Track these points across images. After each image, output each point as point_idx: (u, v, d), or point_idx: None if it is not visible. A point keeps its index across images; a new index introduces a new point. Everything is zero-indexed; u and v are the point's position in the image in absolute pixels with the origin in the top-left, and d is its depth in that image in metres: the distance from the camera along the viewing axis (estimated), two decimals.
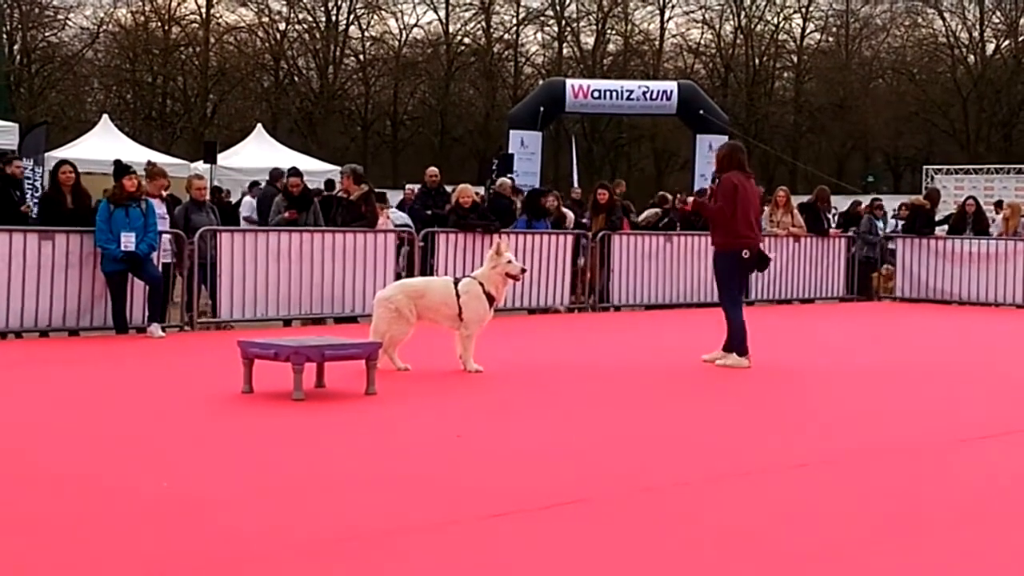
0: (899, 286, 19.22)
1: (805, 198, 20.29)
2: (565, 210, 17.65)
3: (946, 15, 52.40)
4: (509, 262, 9.72)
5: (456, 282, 9.75)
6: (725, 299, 10.61)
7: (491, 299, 9.64)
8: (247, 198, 21.15)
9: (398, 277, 13.62)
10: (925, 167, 31.60)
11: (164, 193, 14.32)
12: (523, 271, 9.97)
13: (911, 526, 5.11)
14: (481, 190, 25.02)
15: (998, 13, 52.21)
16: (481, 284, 9.63)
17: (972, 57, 52.67)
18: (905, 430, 7.58)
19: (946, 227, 20.03)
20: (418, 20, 54.22)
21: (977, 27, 52.26)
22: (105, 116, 30.81)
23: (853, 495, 5.70)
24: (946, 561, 4.66)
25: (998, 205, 23.92)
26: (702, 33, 54.99)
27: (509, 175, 24.19)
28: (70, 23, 50.11)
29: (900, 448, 6.97)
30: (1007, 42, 52.04)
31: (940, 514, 5.39)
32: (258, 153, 29.17)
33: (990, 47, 52.55)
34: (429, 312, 9.62)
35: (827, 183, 23.49)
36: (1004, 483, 6.10)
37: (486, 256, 10.01)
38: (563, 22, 54.35)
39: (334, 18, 53.20)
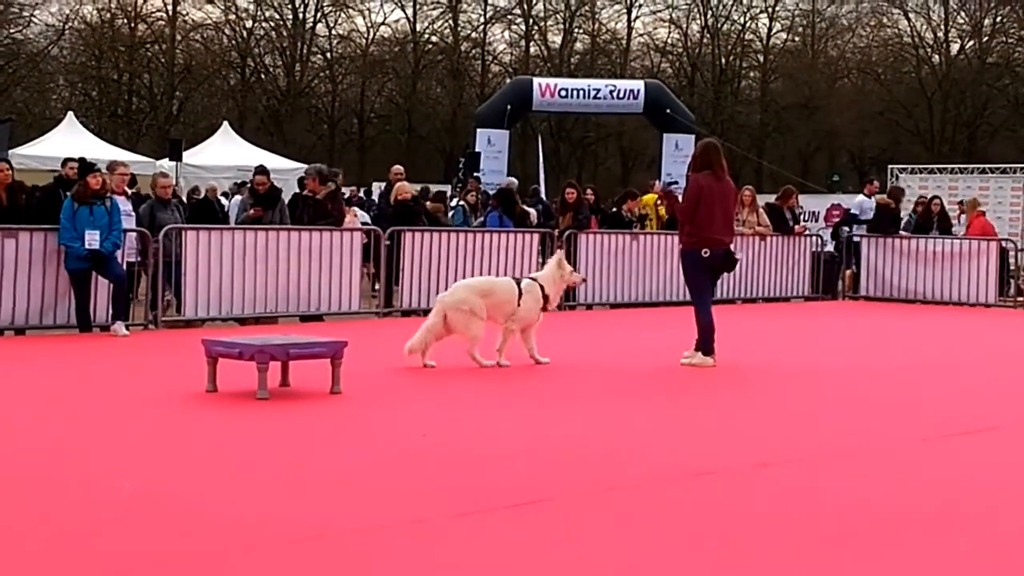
0: (864, 285, 19.32)
1: (771, 197, 20.38)
2: (527, 209, 17.69)
3: (911, 15, 52.79)
4: (572, 272, 10.57)
5: (518, 282, 10.21)
6: (693, 298, 10.66)
7: (546, 300, 10.15)
8: (236, 197, 20.92)
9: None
10: (890, 166, 31.71)
11: (130, 190, 14.30)
12: (583, 280, 11.09)
13: (873, 526, 5.13)
14: (450, 189, 25.02)
15: (962, 14, 52.63)
16: (542, 286, 10.10)
17: (937, 57, 53.05)
18: (868, 429, 7.62)
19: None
20: (385, 18, 54.14)
21: (942, 27, 52.65)
22: (70, 113, 30.63)
23: (815, 494, 5.73)
24: (909, 561, 4.69)
25: (962, 205, 24.09)
26: (669, 32, 55.19)
27: (475, 174, 24.22)
28: (35, 20, 49.71)
29: (863, 448, 7.01)
30: (971, 42, 52.44)
31: (903, 514, 5.41)
32: (224, 151, 29.04)
33: (954, 47, 52.95)
34: (494, 310, 9.93)
35: (792, 182, 23.60)
36: (968, 482, 6.14)
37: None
38: (530, 21, 54.35)
39: (301, 16, 53.01)
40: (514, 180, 19.70)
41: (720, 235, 10.43)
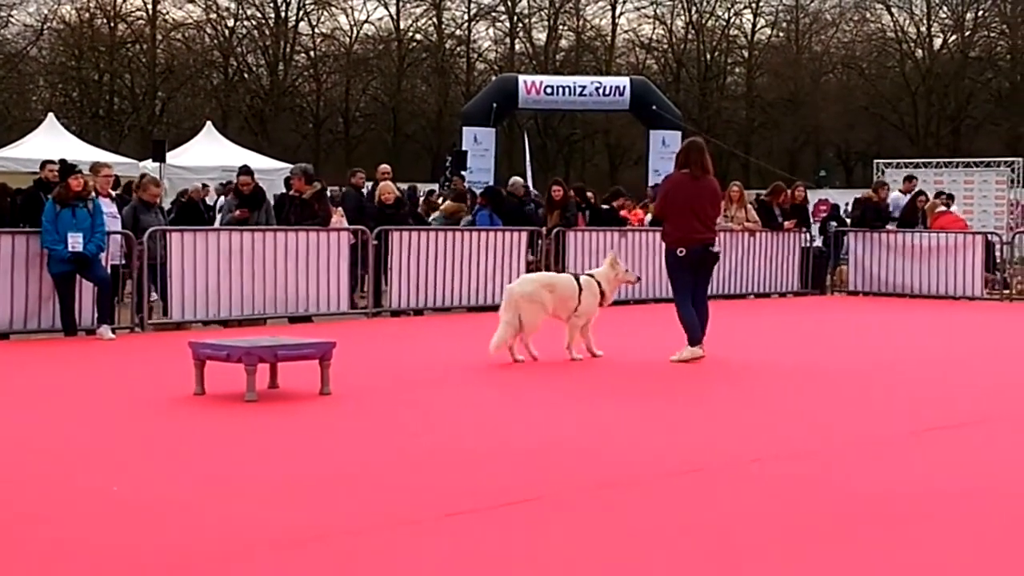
0: (851, 280, 19.35)
1: (760, 192, 20.37)
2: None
3: (894, 10, 52.90)
4: (626, 271, 10.93)
5: (576, 278, 10.60)
6: (673, 294, 10.70)
7: (602, 296, 10.56)
8: (223, 198, 20.79)
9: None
10: (875, 161, 31.76)
11: (113, 192, 14.21)
12: (638, 279, 11.38)
13: (866, 518, 5.11)
14: (436, 187, 24.99)
15: (945, 8, 52.76)
16: (598, 283, 10.52)
17: (920, 52, 53.19)
18: (860, 423, 7.60)
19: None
20: (368, 16, 54.01)
21: (925, 22, 52.79)
22: (51, 115, 30.41)
23: (807, 489, 5.70)
24: (903, 553, 4.66)
25: (950, 198, 24.06)
26: (654, 28, 55.23)
27: (461, 172, 24.17)
28: (13, 20, 49.48)
29: (855, 442, 6.99)
30: (954, 37, 52.59)
31: (896, 506, 5.39)
32: (208, 151, 28.91)
33: (937, 42, 53.11)
34: (557, 304, 10.33)
35: (780, 178, 23.60)
36: (961, 475, 6.12)
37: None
38: (515, 18, 54.32)
39: (283, 14, 52.86)
40: (520, 179, 19.59)
41: (694, 233, 10.44)
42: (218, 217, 17.09)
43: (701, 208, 10.53)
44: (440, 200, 20.19)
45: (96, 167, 13.55)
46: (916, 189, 21.21)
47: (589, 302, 10.45)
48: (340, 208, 15.95)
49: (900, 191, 20.99)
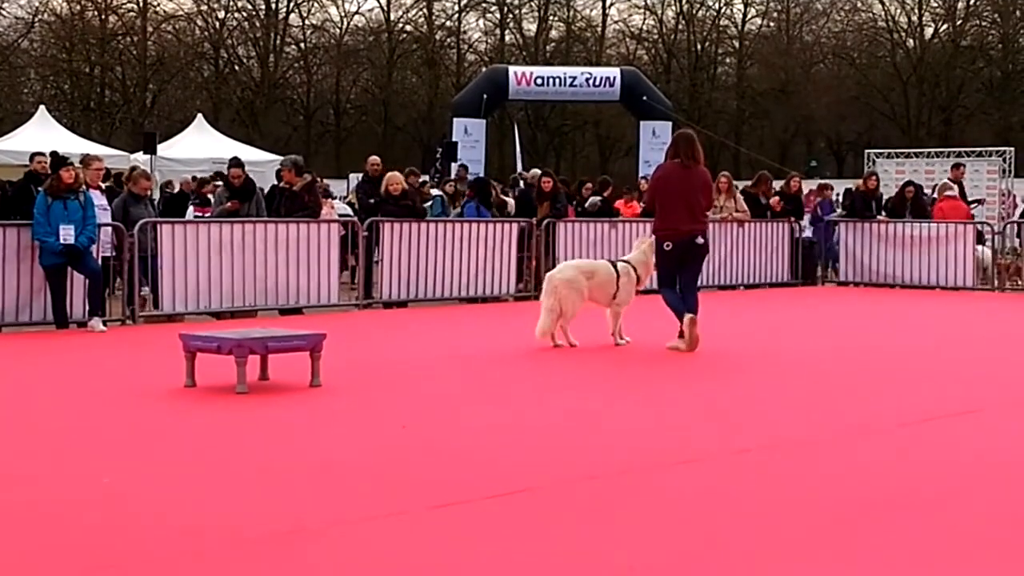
0: (842, 270, 19.38)
1: (749, 183, 20.38)
2: (504, 198, 17.67)
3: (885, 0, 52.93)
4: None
5: (614, 265, 10.81)
6: (658, 282, 10.81)
7: (638, 281, 10.83)
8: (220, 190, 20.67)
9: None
10: (866, 151, 31.76)
11: (103, 184, 14.21)
12: None
13: (856, 509, 5.13)
14: (426, 178, 24.99)
15: None
16: (634, 268, 10.72)
17: (911, 41, 53.18)
18: (846, 415, 7.61)
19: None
20: (359, 7, 54.03)
21: (916, 11, 52.77)
22: (42, 107, 30.37)
23: (797, 480, 5.72)
24: (891, 543, 4.68)
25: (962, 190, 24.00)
26: (644, 19, 55.19)
27: (462, 163, 24.17)
28: (4, 12, 49.36)
29: (845, 432, 7.01)
30: (945, 26, 52.59)
31: (885, 496, 5.41)
32: (199, 143, 28.87)
33: (929, 31, 53.09)
34: (596, 290, 10.58)
35: (770, 168, 23.64)
36: (949, 465, 6.15)
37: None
38: (505, 9, 54.27)
39: (274, 6, 52.76)
40: (537, 171, 19.58)
41: (682, 224, 10.44)
42: (191, 209, 16.99)
43: (693, 198, 10.52)
44: (429, 189, 20.22)
45: (86, 160, 13.55)
46: (906, 180, 21.16)
47: (628, 289, 10.67)
48: (330, 199, 15.92)
49: (948, 179, 20.85)
